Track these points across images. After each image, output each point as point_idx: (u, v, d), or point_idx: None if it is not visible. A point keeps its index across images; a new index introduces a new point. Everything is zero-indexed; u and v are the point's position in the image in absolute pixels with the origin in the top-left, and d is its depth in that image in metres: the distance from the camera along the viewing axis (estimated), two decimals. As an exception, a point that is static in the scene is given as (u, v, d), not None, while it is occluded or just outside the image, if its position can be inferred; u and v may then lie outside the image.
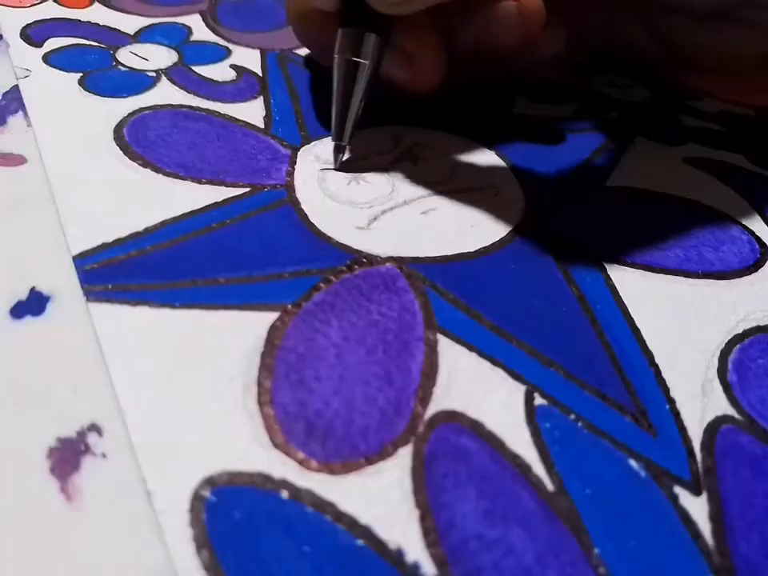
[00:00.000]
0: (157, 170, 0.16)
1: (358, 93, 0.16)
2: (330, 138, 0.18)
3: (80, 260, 0.14)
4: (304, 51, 0.22)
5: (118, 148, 0.17)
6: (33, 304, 0.13)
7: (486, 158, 0.18)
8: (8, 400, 0.11)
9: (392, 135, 0.19)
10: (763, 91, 0.23)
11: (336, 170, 0.17)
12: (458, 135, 0.19)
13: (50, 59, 0.20)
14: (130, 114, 0.18)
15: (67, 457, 0.11)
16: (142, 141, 0.17)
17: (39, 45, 0.20)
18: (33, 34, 0.21)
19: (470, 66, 0.18)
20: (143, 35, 0.22)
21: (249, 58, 0.22)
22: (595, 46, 0.23)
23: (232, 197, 0.16)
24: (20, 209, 0.15)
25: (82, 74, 0.19)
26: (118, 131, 0.17)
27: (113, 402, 0.11)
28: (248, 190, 0.16)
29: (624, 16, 0.22)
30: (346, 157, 0.17)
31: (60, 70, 0.19)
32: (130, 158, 0.16)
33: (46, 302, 0.13)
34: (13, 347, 0.12)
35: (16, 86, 0.18)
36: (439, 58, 0.18)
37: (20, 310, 0.13)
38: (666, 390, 0.13)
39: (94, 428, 0.11)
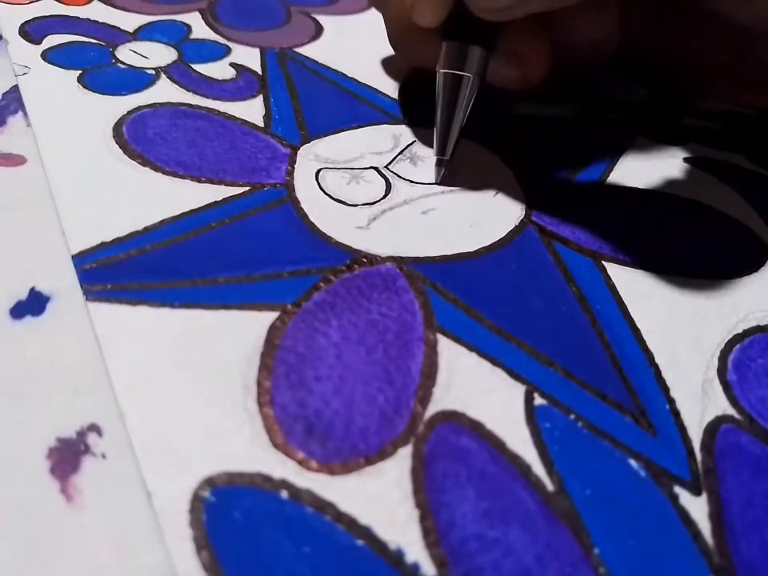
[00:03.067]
0: (156, 169, 0.16)
1: (461, 107, 0.16)
2: (330, 137, 0.18)
3: (79, 259, 0.14)
4: (304, 50, 0.22)
5: (117, 146, 0.17)
6: (32, 304, 0.13)
7: (486, 158, 0.18)
8: (8, 400, 0.11)
9: (392, 135, 0.19)
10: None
11: (437, 184, 0.17)
12: (458, 135, 0.19)
13: (48, 56, 0.20)
14: (129, 112, 0.18)
15: (67, 457, 0.11)
16: (141, 139, 0.17)
17: (38, 42, 0.20)
18: (32, 31, 0.21)
19: (564, 59, 0.19)
20: (143, 33, 0.22)
21: (248, 57, 0.21)
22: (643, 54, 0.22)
23: (231, 196, 0.16)
24: (20, 209, 0.15)
25: (81, 72, 0.19)
26: (117, 129, 0.17)
27: (112, 402, 0.11)
28: (247, 189, 0.16)
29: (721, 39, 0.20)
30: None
31: (59, 67, 0.19)
32: (129, 157, 0.16)
33: (46, 302, 0.13)
34: (13, 347, 0.12)
35: (15, 86, 0.18)
36: (547, 54, 0.18)
37: (20, 310, 0.13)
38: (666, 389, 0.13)
39: (94, 428, 0.11)
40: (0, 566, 0.09)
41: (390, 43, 0.19)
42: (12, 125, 0.17)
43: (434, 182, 0.17)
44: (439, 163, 0.17)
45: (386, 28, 0.19)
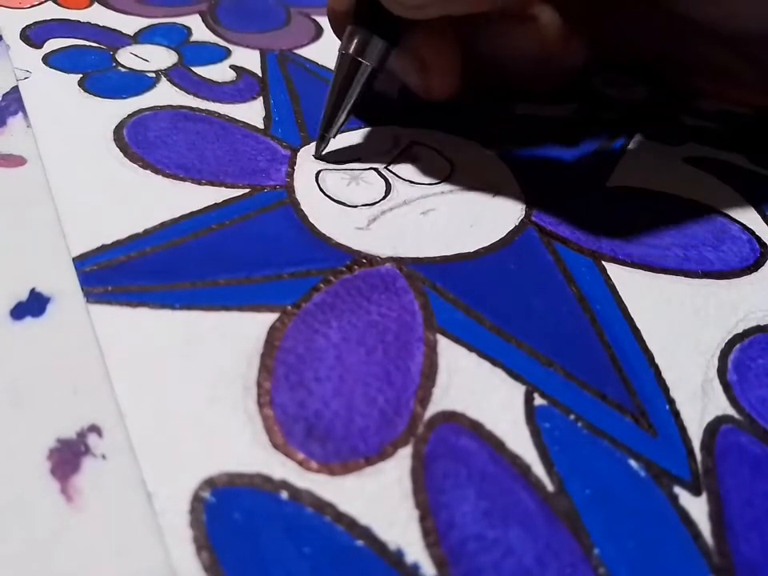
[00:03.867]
0: (156, 172, 0.16)
1: (353, 92, 0.16)
2: (330, 139, 0.18)
3: (80, 262, 0.14)
4: (304, 51, 0.22)
5: (117, 149, 0.17)
6: (33, 305, 0.13)
7: (485, 158, 0.18)
8: (8, 401, 0.11)
9: (392, 135, 0.19)
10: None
11: (315, 157, 0.17)
12: (458, 135, 0.19)
13: (49, 60, 0.20)
14: (130, 115, 0.18)
15: (67, 458, 0.11)
16: (141, 142, 0.17)
17: (39, 46, 0.20)
18: (32, 35, 0.21)
19: (489, 74, 0.18)
20: (143, 36, 0.22)
21: (248, 59, 0.22)
22: (641, 57, 0.22)
23: (231, 198, 0.16)
24: (20, 210, 0.15)
25: (81, 75, 0.19)
26: (117, 132, 0.17)
27: (113, 403, 0.11)
28: (247, 191, 0.16)
29: (709, 40, 0.19)
30: (326, 150, 0.17)
31: (60, 71, 0.19)
32: (129, 160, 0.16)
33: (46, 303, 0.13)
34: (13, 348, 0.12)
35: (16, 87, 0.18)
36: (453, 67, 0.17)
37: (20, 311, 0.13)
38: (666, 389, 0.13)
39: (94, 429, 0.11)
40: (0, 566, 0.09)
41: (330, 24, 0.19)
42: (12, 126, 0.17)
43: (314, 155, 0.17)
44: (322, 139, 0.17)
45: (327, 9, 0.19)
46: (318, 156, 0.17)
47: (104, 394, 0.11)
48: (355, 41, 0.16)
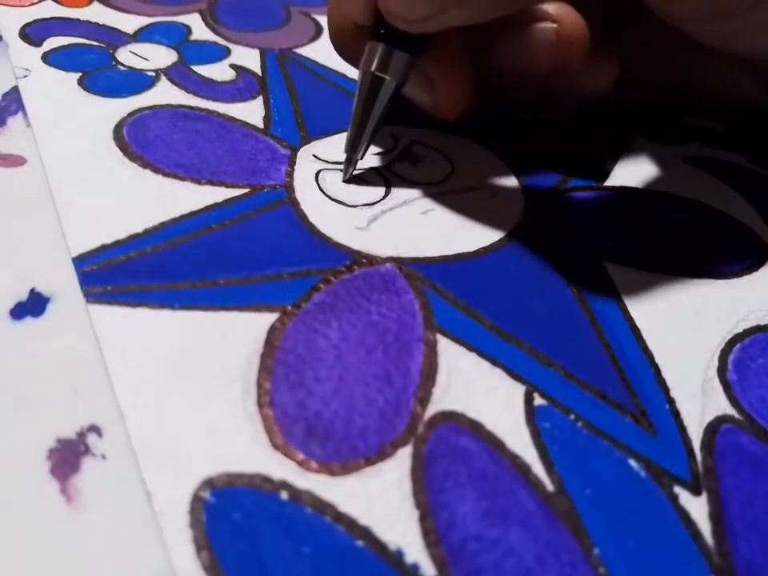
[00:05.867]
0: (156, 171, 0.16)
1: (378, 109, 0.16)
2: (330, 138, 0.18)
3: (79, 262, 0.14)
4: (303, 50, 0.22)
5: (117, 148, 0.17)
6: (33, 305, 0.13)
7: (485, 158, 0.18)
8: (8, 401, 0.11)
9: (391, 135, 0.19)
10: None
11: (344, 182, 0.17)
12: (458, 135, 0.19)
13: (49, 59, 0.20)
14: (130, 114, 0.18)
15: (67, 458, 0.11)
16: (141, 141, 0.17)
17: (38, 44, 0.20)
18: (32, 34, 0.21)
19: (506, 90, 0.17)
20: (143, 35, 0.22)
21: (248, 58, 0.21)
22: (670, 87, 0.20)
23: (231, 197, 0.16)
24: (20, 209, 0.15)
25: (81, 74, 0.19)
26: (117, 131, 0.17)
27: (112, 403, 0.11)
28: (247, 190, 0.16)
29: (734, 64, 0.18)
30: (356, 171, 0.17)
31: (59, 69, 0.19)
32: (129, 159, 0.16)
33: (46, 303, 0.13)
34: (13, 348, 0.12)
35: (15, 87, 0.18)
36: (463, 87, 0.17)
37: (20, 311, 0.13)
38: (666, 389, 0.13)
39: (94, 429, 0.11)
40: (0, 566, 0.09)
41: (330, 39, 0.18)
42: (12, 125, 0.17)
43: (343, 180, 0.17)
44: (349, 161, 0.16)
45: (328, 27, 0.18)
46: (347, 180, 0.17)
47: (104, 394, 0.11)
48: (377, 57, 0.16)
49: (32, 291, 0.13)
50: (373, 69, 0.16)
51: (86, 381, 0.12)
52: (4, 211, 0.15)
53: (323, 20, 0.24)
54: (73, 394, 0.11)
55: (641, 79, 0.19)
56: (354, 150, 0.16)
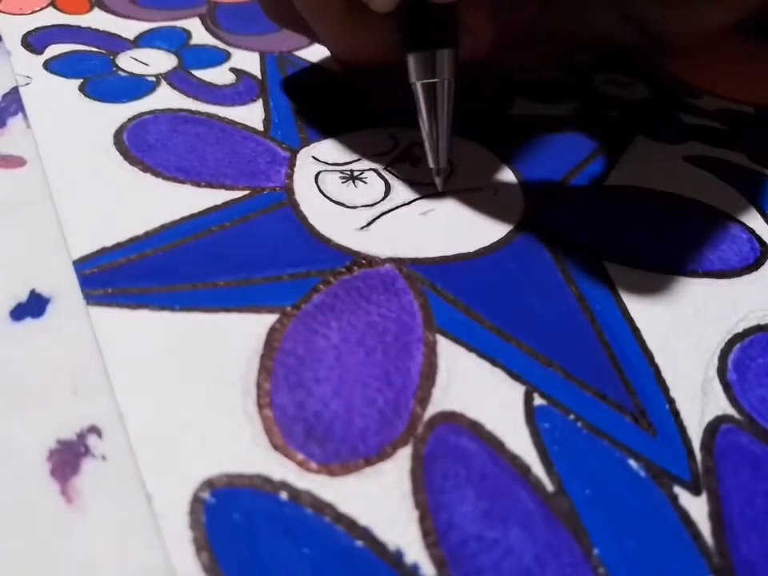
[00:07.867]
0: (156, 174, 0.16)
1: (443, 112, 0.16)
2: (329, 140, 0.18)
3: (80, 264, 0.14)
4: (303, 53, 0.22)
5: (117, 153, 0.17)
6: (33, 306, 0.13)
7: (485, 158, 0.18)
8: (8, 402, 0.11)
9: (391, 136, 0.19)
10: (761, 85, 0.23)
11: (441, 192, 0.17)
12: (458, 135, 0.19)
13: (50, 66, 0.20)
14: (130, 119, 0.18)
15: (67, 459, 0.11)
16: (141, 145, 0.17)
17: (40, 52, 0.20)
18: (33, 41, 0.21)
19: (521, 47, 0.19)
20: (143, 40, 0.22)
21: (248, 61, 0.22)
22: (580, 43, 0.22)
23: (231, 200, 0.16)
24: (20, 210, 0.15)
25: (82, 80, 0.19)
26: (118, 136, 0.17)
27: (112, 404, 0.11)
28: (247, 192, 0.16)
29: (598, 8, 0.21)
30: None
31: (61, 76, 0.19)
32: (129, 163, 0.16)
33: (46, 304, 0.13)
34: (13, 349, 0.12)
35: (15, 88, 0.19)
36: (490, 22, 0.17)
37: (20, 312, 0.13)
38: (666, 389, 0.13)
39: (94, 430, 0.11)
40: (0, 566, 0.09)
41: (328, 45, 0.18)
42: (12, 126, 0.17)
43: (438, 191, 0.17)
44: (437, 173, 0.17)
45: (324, 35, 0.18)
46: (443, 189, 0.17)
47: (104, 395, 0.11)
48: (422, 65, 0.16)
49: (32, 292, 0.13)
50: (424, 78, 0.16)
51: (86, 382, 0.12)
52: (4, 212, 0.15)
53: (323, 23, 0.24)
54: (73, 395, 0.12)
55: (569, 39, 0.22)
56: (438, 162, 0.16)
